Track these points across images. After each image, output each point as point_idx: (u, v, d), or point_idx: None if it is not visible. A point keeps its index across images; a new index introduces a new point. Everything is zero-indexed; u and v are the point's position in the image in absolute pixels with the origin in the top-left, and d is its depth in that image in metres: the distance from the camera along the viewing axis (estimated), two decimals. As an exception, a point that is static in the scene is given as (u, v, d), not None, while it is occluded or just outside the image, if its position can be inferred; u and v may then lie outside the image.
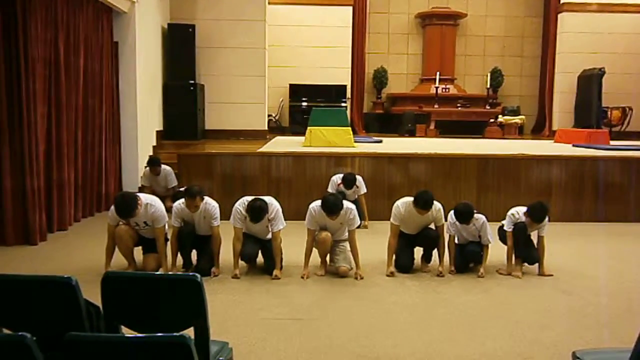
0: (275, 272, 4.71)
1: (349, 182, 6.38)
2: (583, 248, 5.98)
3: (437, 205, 4.80)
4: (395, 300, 4.24)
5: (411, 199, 4.78)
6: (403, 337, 3.56)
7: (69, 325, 1.96)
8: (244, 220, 4.71)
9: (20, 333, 1.62)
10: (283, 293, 4.37)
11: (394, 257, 4.89)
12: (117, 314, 2.25)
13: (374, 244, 5.37)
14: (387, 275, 4.77)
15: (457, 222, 4.84)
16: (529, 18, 13.97)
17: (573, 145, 9.40)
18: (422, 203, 4.68)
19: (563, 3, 12.56)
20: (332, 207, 4.59)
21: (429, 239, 4.94)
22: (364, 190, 6.57)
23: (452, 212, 4.89)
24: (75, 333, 1.73)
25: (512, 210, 4.94)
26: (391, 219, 4.87)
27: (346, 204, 4.74)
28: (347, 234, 4.83)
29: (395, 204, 4.88)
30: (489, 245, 4.88)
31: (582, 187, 7.24)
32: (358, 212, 4.98)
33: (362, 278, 4.69)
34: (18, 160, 5.58)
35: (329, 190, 6.53)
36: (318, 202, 4.75)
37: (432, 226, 4.96)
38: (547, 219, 4.83)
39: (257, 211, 4.56)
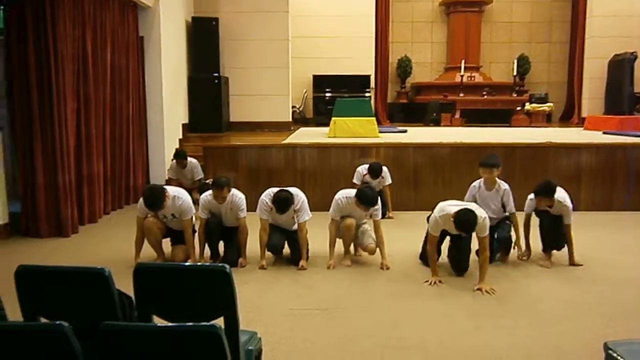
0: (302, 262, 4.75)
1: (375, 171, 6.36)
2: (613, 238, 5.86)
3: (480, 215, 4.20)
4: (421, 291, 4.23)
5: (450, 211, 4.26)
6: (430, 328, 3.56)
7: (103, 315, 2.01)
8: (270, 212, 4.76)
9: (58, 322, 1.68)
10: (310, 283, 4.41)
11: (436, 264, 4.49)
12: (149, 304, 2.30)
13: (399, 235, 5.36)
14: (431, 284, 4.33)
15: (480, 191, 4.81)
16: (556, 2, 13.65)
17: (603, 133, 9.18)
18: (463, 227, 4.19)
19: (592, -14, 12.23)
20: (371, 199, 4.61)
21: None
22: (389, 181, 6.55)
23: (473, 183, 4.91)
24: (110, 322, 1.77)
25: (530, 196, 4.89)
26: (430, 230, 4.46)
27: None
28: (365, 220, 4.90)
29: (432, 217, 4.41)
30: (514, 213, 4.81)
31: (613, 175, 7.08)
32: (383, 202, 4.98)
33: (388, 268, 4.69)
34: (50, 156, 5.73)
35: (354, 181, 6.53)
36: (345, 192, 4.77)
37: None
38: (568, 203, 4.69)
39: (282, 202, 4.60)
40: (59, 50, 5.71)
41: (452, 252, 4.72)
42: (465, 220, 4.11)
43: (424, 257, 4.80)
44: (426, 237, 4.69)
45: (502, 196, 4.82)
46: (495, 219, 4.82)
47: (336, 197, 4.82)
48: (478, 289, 4.19)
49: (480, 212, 4.22)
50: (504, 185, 4.85)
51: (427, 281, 4.35)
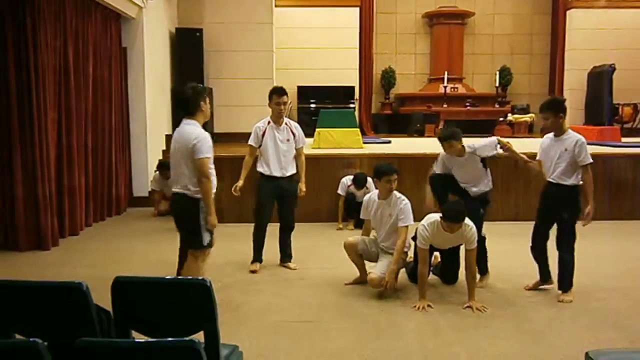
0: (300, 185, 5.01)
1: (360, 181, 6.37)
2: (593, 247, 5.88)
3: (467, 223, 4.12)
4: (406, 303, 4.22)
5: (437, 217, 4.19)
6: (414, 339, 3.55)
7: (80, 331, 1.97)
8: (268, 126, 5.14)
9: (32, 339, 1.64)
10: (293, 295, 4.38)
11: (426, 286, 4.23)
12: (127, 319, 2.26)
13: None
14: (419, 309, 4.07)
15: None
16: (537, 15, 13.87)
17: (584, 143, 9.30)
18: (453, 215, 4.05)
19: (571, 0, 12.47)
20: (388, 168, 4.45)
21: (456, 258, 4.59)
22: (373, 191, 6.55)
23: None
24: (86, 339, 1.74)
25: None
26: (419, 244, 4.22)
27: (396, 194, 4.47)
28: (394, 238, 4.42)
29: (420, 228, 4.23)
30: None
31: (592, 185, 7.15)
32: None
33: (395, 284, 4.34)
34: (30, 167, 5.64)
35: (339, 192, 6.55)
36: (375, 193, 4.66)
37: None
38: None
39: (281, 88, 5.09)
40: (39, 61, 5.65)
41: (442, 265, 4.70)
42: (454, 209, 4.07)
43: (414, 277, 4.49)
44: (416, 257, 4.41)
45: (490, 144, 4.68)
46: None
47: (364, 198, 4.69)
48: (468, 307, 4.07)
49: (468, 220, 4.11)
50: (493, 139, 4.75)
51: (415, 306, 4.08)
